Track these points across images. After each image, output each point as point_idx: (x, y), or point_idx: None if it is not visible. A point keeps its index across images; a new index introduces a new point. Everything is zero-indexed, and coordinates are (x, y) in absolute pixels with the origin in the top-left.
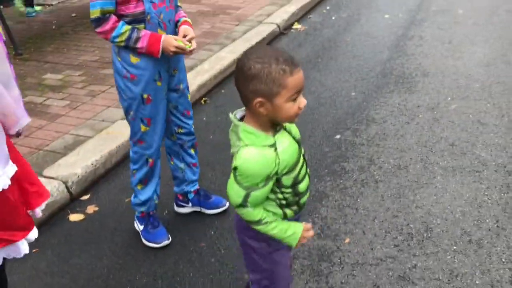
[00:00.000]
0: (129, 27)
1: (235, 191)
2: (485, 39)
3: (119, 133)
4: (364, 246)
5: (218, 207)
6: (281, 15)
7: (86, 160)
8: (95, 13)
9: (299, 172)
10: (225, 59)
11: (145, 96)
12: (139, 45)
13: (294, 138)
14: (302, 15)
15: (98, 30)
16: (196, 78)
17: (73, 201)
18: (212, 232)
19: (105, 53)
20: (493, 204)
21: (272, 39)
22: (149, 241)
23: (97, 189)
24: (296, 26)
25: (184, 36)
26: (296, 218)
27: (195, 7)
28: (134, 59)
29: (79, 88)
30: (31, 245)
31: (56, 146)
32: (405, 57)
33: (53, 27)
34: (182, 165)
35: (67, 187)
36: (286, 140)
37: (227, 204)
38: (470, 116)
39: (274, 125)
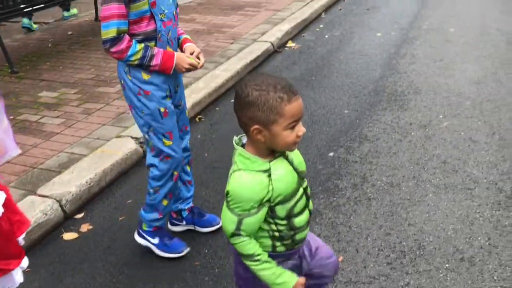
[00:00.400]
0: (142, 45)
1: (228, 218)
2: (476, 57)
3: (114, 151)
4: (357, 264)
5: (212, 225)
6: (275, 34)
7: (80, 178)
8: (110, 33)
9: (295, 204)
10: (219, 77)
11: (162, 109)
12: (153, 62)
13: (296, 168)
14: (296, 34)
15: (113, 50)
16: (191, 96)
17: (67, 220)
18: (206, 251)
19: (100, 71)
20: (484, 221)
21: (266, 57)
22: (169, 252)
23: (91, 208)
24: (290, 44)
25: (191, 53)
26: (288, 254)
27: (190, 26)
28: (145, 76)
29: (74, 106)
30: None
31: (50, 164)
32: (397, 75)
33: (49, 45)
34: (178, 183)
35: (61, 206)
36: (282, 168)
37: (221, 222)
38: (462, 133)
39: (273, 152)
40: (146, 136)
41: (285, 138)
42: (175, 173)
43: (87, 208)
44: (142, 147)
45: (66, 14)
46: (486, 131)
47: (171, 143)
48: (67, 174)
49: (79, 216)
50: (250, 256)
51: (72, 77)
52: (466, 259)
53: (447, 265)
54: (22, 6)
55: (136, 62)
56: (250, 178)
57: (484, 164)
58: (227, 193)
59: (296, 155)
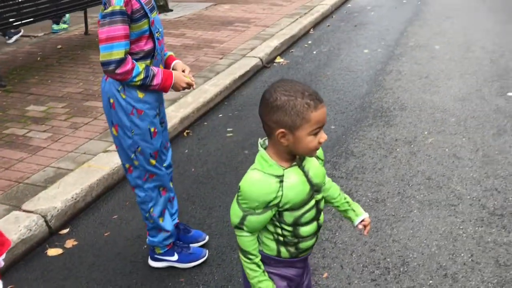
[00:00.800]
0: (143, 65)
1: (234, 211)
2: (461, 74)
3: (100, 166)
4: (342, 281)
5: (197, 241)
6: (264, 49)
7: (66, 193)
8: (117, 54)
9: (303, 214)
10: (208, 92)
11: (152, 129)
12: (154, 82)
13: (310, 180)
14: (284, 50)
15: (119, 71)
16: (179, 110)
17: (51, 235)
18: (191, 267)
19: (89, 85)
20: (468, 237)
21: (255, 72)
22: (193, 261)
23: (77, 223)
24: (279, 60)
25: (183, 71)
26: (292, 261)
27: (180, 40)
28: (141, 94)
29: (62, 120)
30: (7, 281)
31: (36, 179)
32: (383, 91)
33: (38, 58)
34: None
35: (46, 221)
36: (295, 177)
37: (207, 238)
38: (446, 150)
39: (292, 158)
40: (132, 156)
41: (308, 144)
42: (162, 188)
43: (72, 223)
44: None
45: (55, 27)
46: (470, 147)
47: (155, 162)
48: (53, 189)
49: (64, 231)
50: (244, 252)
51: (60, 91)
52: (449, 276)
53: (430, 282)
54: (11, 20)
55: (138, 83)
56: (261, 179)
57: (468, 180)
58: (239, 187)
59: (313, 167)
